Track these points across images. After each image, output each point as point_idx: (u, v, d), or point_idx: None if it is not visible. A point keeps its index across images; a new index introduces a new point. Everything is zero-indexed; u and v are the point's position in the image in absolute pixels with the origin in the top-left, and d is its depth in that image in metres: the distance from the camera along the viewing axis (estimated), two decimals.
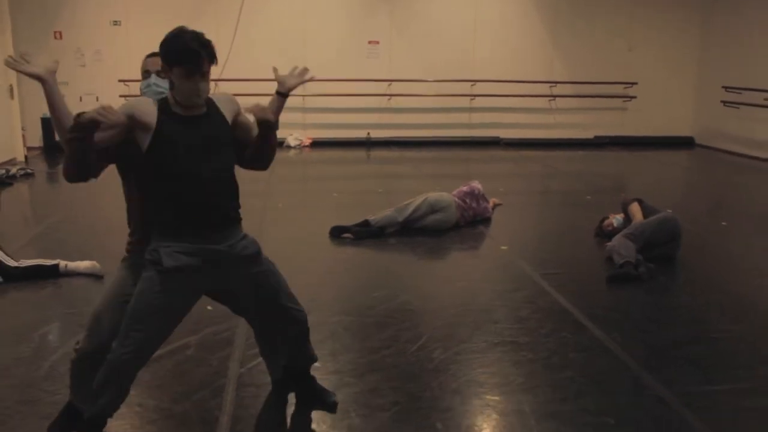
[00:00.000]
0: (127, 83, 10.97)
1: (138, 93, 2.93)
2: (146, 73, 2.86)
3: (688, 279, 5.20)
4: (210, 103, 2.70)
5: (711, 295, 4.75)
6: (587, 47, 12.32)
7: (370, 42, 11.84)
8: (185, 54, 2.50)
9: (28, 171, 9.14)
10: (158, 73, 2.81)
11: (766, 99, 10.49)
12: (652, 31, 12.49)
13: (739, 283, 5.05)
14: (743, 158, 11.23)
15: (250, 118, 2.76)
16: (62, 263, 4.96)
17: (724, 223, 6.79)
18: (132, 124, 2.53)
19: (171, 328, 2.72)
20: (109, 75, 10.98)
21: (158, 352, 3.54)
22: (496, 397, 3.26)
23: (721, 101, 11.81)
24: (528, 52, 12.29)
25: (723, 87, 11.72)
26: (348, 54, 11.78)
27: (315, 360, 3.13)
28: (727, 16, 11.90)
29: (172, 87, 2.60)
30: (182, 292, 2.63)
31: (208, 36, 2.60)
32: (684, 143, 12.82)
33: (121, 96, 11.00)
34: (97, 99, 11.06)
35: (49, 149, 11.01)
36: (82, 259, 5.02)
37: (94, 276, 4.92)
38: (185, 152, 2.58)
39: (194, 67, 2.52)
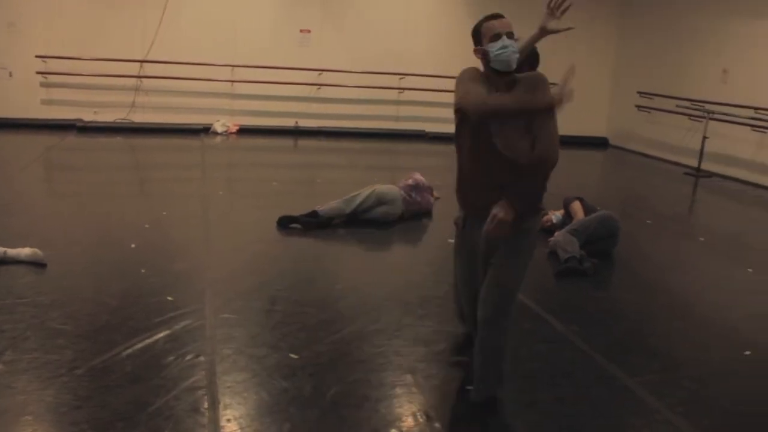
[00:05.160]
0: (45, 59, 10.39)
1: None
2: (496, 36, 2.94)
3: (626, 274, 5.50)
4: None
5: (648, 289, 5.05)
6: None
7: (301, 30, 11.72)
8: None
9: None
10: (509, 35, 2.91)
11: (677, 106, 11.16)
12: (571, 34, 12.96)
13: (670, 280, 5.38)
14: (654, 160, 11.90)
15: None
16: (1, 249, 4.69)
17: (648, 222, 7.20)
18: None
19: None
20: (25, 49, 10.34)
21: (129, 349, 3.48)
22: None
23: (636, 105, 12.47)
24: (456, 48, 12.47)
25: (637, 92, 12.39)
26: (279, 41, 11.62)
27: None
28: (639, 23, 12.55)
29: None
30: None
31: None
32: (599, 144, 13.45)
33: (38, 72, 10.44)
34: (11, 74, 10.45)
35: None
36: (22, 246, 4.77)
37: (36, 264, 4.68)
38: None
39: None
